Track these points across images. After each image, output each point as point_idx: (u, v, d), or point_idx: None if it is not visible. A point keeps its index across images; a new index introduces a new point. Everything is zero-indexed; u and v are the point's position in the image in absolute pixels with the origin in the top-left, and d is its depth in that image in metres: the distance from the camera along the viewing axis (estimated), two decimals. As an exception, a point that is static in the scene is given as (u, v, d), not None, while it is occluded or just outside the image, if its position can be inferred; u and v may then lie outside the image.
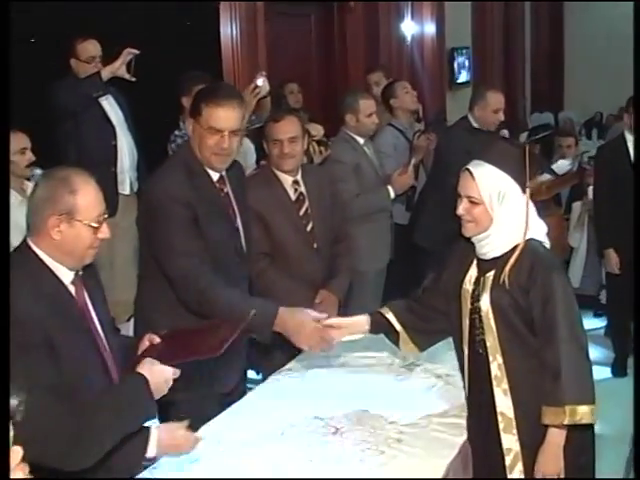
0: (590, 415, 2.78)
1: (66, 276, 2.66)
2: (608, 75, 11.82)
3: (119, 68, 5.02)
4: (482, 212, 2.87)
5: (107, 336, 2.78)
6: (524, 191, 2.88)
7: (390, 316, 3.26)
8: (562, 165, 5.62)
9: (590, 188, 6.18)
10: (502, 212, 2.86)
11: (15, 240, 4.18)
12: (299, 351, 3.68)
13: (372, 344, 3.78)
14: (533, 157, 2.97)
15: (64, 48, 5.20)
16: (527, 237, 2.87)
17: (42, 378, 2.44)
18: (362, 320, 3.31)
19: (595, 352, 6.32)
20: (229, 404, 3.47)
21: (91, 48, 5.19)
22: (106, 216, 2.69)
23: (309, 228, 4.25)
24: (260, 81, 4.53)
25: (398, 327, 3.24)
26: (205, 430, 3.16)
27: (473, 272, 2.99)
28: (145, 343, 2.99)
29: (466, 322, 3.00)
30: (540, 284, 2.80)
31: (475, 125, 5.71)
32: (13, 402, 1.41)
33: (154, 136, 5.31)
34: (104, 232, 2.67)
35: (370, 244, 5.22)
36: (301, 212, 4.24)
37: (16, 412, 1.42)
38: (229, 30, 6.89)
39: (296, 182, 4.24)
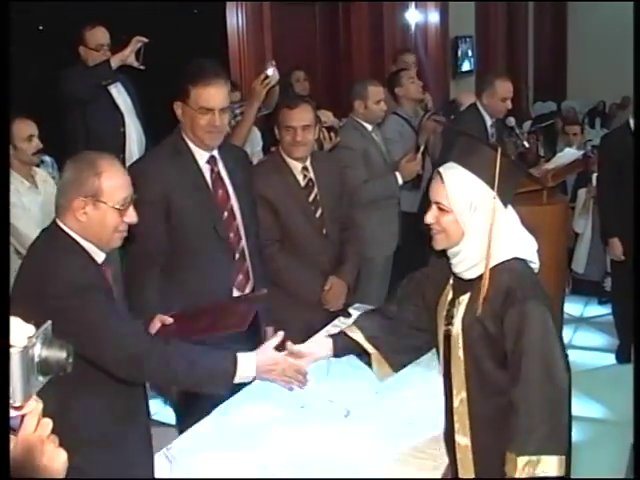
0: (557, 468, 2.35)
1: (97, 255, 2.71)
2: (611, 64, 11.81)
3: (128, 56, 5.05)
4: (451, 222, 2.48)
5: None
6: (505, 204, 2.50)
7: (359, 337, 2.84)
8: (568, 153, 5.64)
9: (594, 175, 6.23)
10: (474, 224, 2.47)
11: (22, 224, 4.27)
12: None
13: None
14: (510, 164, 2.55)
15: (73, 36, 5.22)
16: (509, 256, 2.48)
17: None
18: (327, 343, 2.91)
19: (600, 339, 6.38)
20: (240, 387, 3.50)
21: (100, 36, 5.22)
22: (132, 199, 2.72)
23: (318, 214, 4.28)
24: (270, 71, 4.55)
25: (371, 349, 2.83)
26: (216, 413, 3.20)
27: (449, 291, 2.63)
28: (157, 324, 3.04)
29: (439, 344, 2.67)
30: (514, 313, 2.39)
31: (483, 113, 5.75)
32: (62, 355, 1.45)
33: (162, 123, 5.33)
34: (130, 216, 2.71)
35: (377, 231, 5.26)
36: (310, 198, 4.27)
37: (66, 365, 1.45)
38: (235, 18, 6.94)
39: (305, 168, 4.28)
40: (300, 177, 4.26)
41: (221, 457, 2.92)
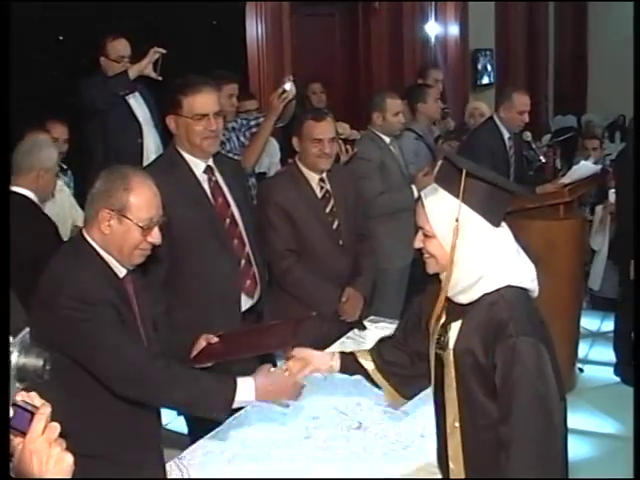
0: None
1: (119, 270, 2.73)
2: (632, 78, 11.75)
3: (146, 67, 5.08)
4: (437, 247, 2.37)
5: (147, 333, 2.84)
6: (495, 226, 2.37)
7: (369, 366, 2.77)
8: (584, 167, 5.61)
9: (612, 191, 6.19)
10: (460, 247, 2.34)
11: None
12: None
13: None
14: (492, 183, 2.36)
15: (93, 46, 5.26)
16: (503, 283, 2.34)
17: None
18: (328, 359, 2.83)
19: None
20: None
21: (120, 47, 5.26)
22: (159, 221, 2.74)
23: (335, 225, 4.30)
24: (288, 85, 4.57)
25: (380, 381, 2.77)
26: (227, 425, 3.21)
27: (443, 314, 2.48)
28: (202, 343, 3.04)
29: (432, 368, 2.55)
30: (505, 348, 2.27)
31: (501, 126, 5.75)
32: (38, 363, 1.47)
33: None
34: (154, 237, 2.72)
35: (392, 242, 5.24)
36: (327, 209, 4.29)
37: (43, 372, 1.47)
38: (255, 30, 6.97)
39: (322, 180, 4.30)
40: (317, 189, 4.29)
41: (232, 468, 2.93)
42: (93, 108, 5.13)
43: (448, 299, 2.44)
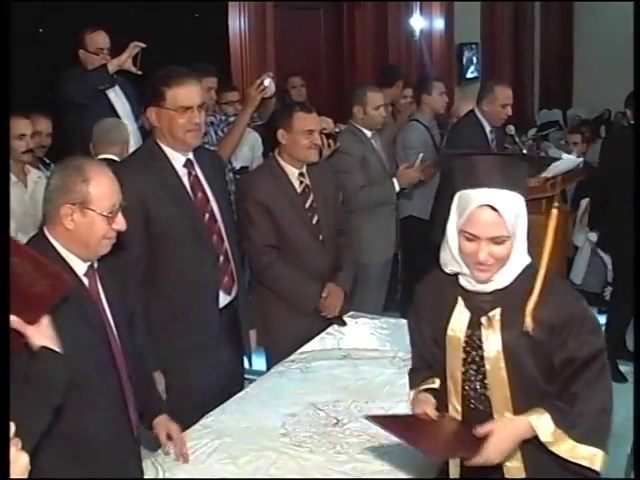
0: (600, 463, 2.38)
1: (79, 267, 2.66)
2: (617, 72, 11.74)
3: (125, 61, 5.06)
4: (509, 247, 2.35)
5: (119, 330, 2.77)
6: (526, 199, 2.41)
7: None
8: (566, 160, 5.59)
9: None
10: (519, 235, 2.38)
11: None
12: None
13: (374, 337, 3.82)
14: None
15: (74, 39, 5.22)
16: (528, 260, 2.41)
17: None
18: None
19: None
20: (230, 395, 3.49)
21: (99, 40, 5.23)
22: (121, 206, 2.66)
23: (315, 220, 4.27)
24: (267, 81, 4.55)
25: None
26: (205, 421, 3.19)
27: (462, 312, 2.46)
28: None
29: (457, 375, 2.50)
30: (576, 317, 2.35)
31: (482, 120, 5.75)
32: None
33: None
34: (119, 223, 2.65)
35: (373, 236, 5.25)
36: (307, 204, 4.26)
37: None
38: (237, 24, 6.95)
39: (302, 175, 4.26)
40: (297, 183, 4.25)
41: (208, 465, 2.92)
42: (72, 102, 5.10)
43: (466, 293, 2.45)
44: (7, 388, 1.42)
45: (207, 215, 3.65)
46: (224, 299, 3.70)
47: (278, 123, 4.23)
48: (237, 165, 5.43)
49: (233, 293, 3.75)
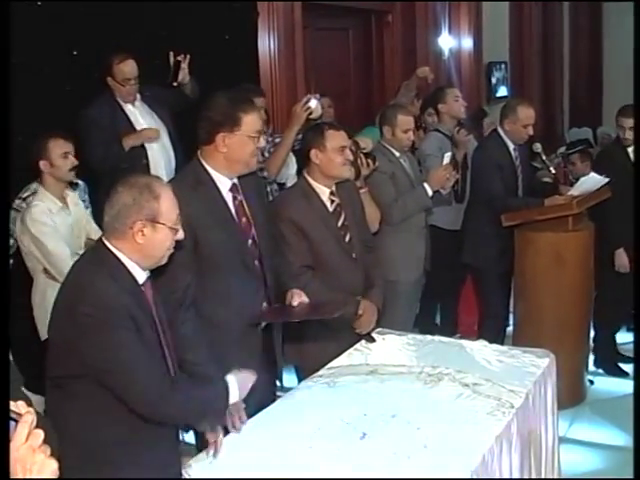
0: None
1: (140, 276, 2.85)
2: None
3: (139, 143, 5.27)
4: None
5: (165, 333, 2.95)
6: None
7: None
8: (592, 179, 5.59)
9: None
10: None
11: (52, 244, 4.43)
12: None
13: (402, 352, 3.85)
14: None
15: (104, 62, 5.31)
16: None
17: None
18: None
19: (626, 366, 6.27)
20: (259, 410, 3.52)
21: (126, 70, 5.27)
22: (179, 218, 2.88)
23: (347, 239, 4.31)
24: (313, 103, 4.63)
25: None
26: (234, 436, 3.23)
27: None
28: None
29: None
30: None
31: (505, 138, 5.79)
32: None
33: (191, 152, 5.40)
34: (180, 233, 2.88)
35: (402, 254, 5.27)
36: (339, 223, 4.29)
37: None
38: (267, 45, 6.99)
39: (332, 193, 4.30)
40: (328, 203, 4.28)
41: (236, 477, 2.95)
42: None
43: None
44: (7, 389, 1.46)
45: (250, 241, 3.68)
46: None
47: (310, 144, 4.26)
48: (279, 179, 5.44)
49: None
